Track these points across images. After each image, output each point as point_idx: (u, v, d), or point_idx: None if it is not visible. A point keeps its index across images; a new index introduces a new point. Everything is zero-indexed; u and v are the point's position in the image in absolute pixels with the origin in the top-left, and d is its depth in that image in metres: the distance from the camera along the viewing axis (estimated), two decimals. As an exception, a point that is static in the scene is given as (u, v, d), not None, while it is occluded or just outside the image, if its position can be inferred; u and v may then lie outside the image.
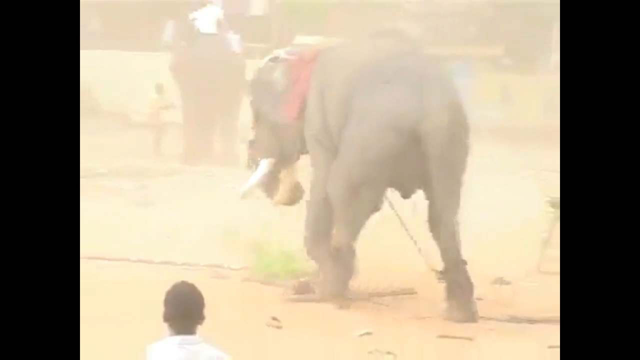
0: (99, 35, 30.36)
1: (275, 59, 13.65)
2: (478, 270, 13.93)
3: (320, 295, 12.77)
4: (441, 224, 12.34)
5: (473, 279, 12.42)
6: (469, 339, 11.55)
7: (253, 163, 13.90)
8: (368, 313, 12.39)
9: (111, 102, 27.34)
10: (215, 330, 11.25)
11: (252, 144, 13.97)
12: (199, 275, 12.76)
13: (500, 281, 13.75)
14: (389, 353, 11.07)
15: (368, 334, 11.59)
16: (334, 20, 29.54)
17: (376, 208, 12.77)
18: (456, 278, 12.28)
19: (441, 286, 12.33)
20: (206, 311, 6.03)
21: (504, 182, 19.36)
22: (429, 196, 12.50)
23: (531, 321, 12.09)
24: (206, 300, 6.00)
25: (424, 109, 12.17)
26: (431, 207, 12.49)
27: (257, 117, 13.71)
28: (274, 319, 11.89)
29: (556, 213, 13.88)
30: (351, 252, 12.77)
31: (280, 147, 13.44)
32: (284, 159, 13.55)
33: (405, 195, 12.76)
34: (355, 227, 12.72)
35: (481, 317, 12.23)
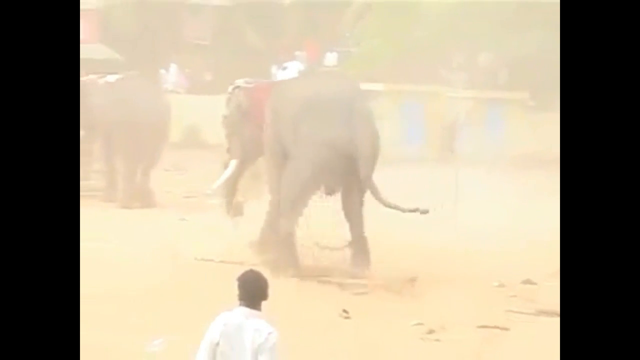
0: (210, 83, 30.61)
1: (238, 87, 15.07)
2: (511, 273, 13.75)
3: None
4: (353, 213, 13.65)
5: (503, 280, 12.71)
6: (505, 328, 11.32)
7: (226, 164, 15.21)
8: (420, 307, 12.21)
9: (216, 136, 27.42)
10: (294, 319, 11.18)
11: (228, 150, 15.20)
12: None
13: (529, 282, 13.55)
14: (437, 340, 10.90)
15: (420, 324, 11.41)
16: (392, 69, 29.45)
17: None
18: (359, 247, 13.50)
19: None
20: (270, 292, 6.34)
21: (533, 201, 19.09)
22: (346, 194, 13.75)
23: (553, 314, 11.88)
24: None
25: (353, 132, 13.41)
26: (346, 201, 13.76)
27: (230, 129, 15.03)
28: (344, 311, 11.75)
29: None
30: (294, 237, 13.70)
31: (244, 151, 14.77)
32: (247, 160, 14.91)
33: (330, 193, 13.83)
34: (297, 216, 13.73)
35: (513, 311, 12.02)
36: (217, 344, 6.15)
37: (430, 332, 11.08)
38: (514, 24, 27.85)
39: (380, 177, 22.96)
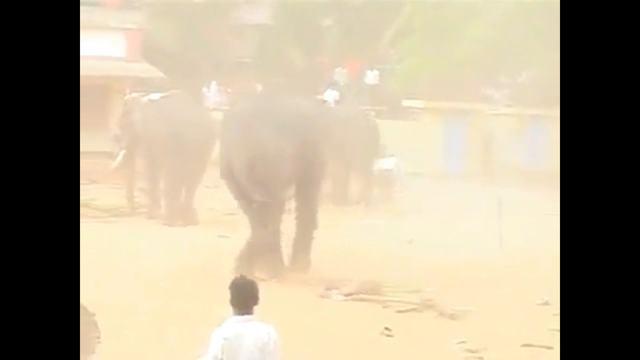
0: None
1: None
2: (555, 291, 13.55)
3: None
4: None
5: (547, 298, 12.52)
6: (549, 347, 11.15)
7: None
8: (463, 324, 12.11)
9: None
10: (337, 336, 11.10)
11: None
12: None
13: (573, 300, 13.34)
14: (480, 358, 10.77)
15: (462, 342, 11.29)
16: (434, 86, 29.38)
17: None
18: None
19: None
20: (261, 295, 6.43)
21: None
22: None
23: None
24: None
25: (232, 147, 14.37)
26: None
27: None
28: (387, 328, 11.65)
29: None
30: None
31: None
32: None
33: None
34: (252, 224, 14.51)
35: (558, 330, 11.81)
36: (221, 359, 6.22)
37: (474, 350, 10.95)
38: (555, 40, 27.67)
39: (422, 192, 22.89)
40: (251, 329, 6.25)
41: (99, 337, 6.83)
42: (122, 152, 21.03)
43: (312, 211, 14.71)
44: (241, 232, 17.44)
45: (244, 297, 6.31)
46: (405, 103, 29.66)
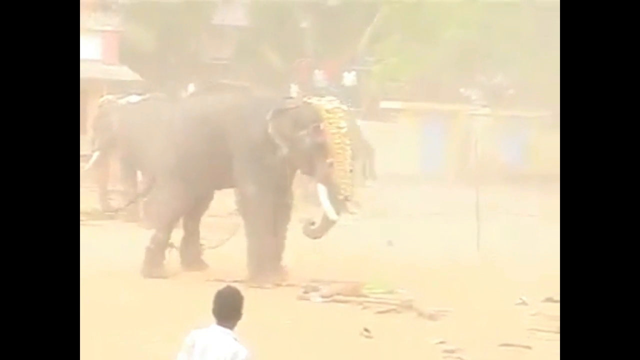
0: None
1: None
2: (533, 292, 13.66)
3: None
4: None
5: (525, 298, 12.63)
6: (527, 347, 11.25)
7: None
8: (442, 325, 12.17)
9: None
10: (316, 338, 11.13)
11: None
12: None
13: (551, 300, 13.46)
14: (459, 358, 10.84)
15: (441, 342, 11.36)
16: (411, 87, 29.51)
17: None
18: None
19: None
20: (244, 310, 6.10)
21: (554, 218, 19.03)
22: None
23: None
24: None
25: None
26: None
27: None
28: (366, 330, 11.70)
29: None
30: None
31: None
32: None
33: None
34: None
35: (536, 330, 11.94)
36: None
37: (453, 350, 11.02)
38: (534, 42, 27.85)
39: (400, 193, 22.93)
40: (219, 345, 5.88)
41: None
42: (95, 154, 20.99)
43: (245, 218, 14.32)
44: (219, 234, 17.50)
45: (223, 309, 6.00)
46: (383, 104, 29.77)
